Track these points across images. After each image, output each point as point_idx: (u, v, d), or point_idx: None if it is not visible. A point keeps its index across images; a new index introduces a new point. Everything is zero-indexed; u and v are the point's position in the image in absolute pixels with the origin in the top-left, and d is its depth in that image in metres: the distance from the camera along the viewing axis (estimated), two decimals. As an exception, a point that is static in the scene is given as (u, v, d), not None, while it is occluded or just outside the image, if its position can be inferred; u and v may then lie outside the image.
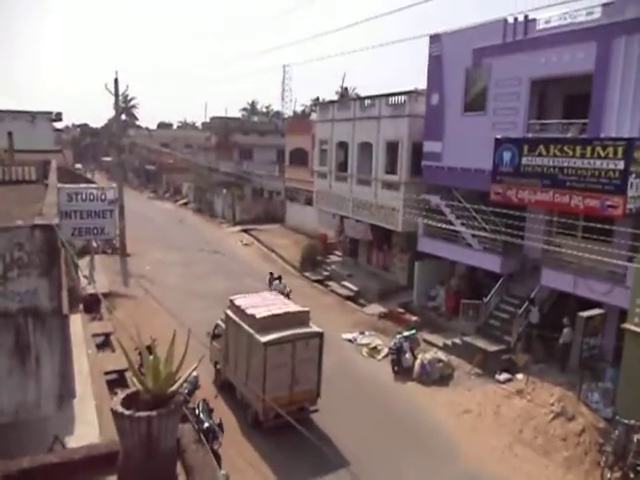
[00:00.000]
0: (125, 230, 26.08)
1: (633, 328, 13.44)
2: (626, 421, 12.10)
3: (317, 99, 64.01)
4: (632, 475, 11.48)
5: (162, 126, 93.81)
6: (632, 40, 14.27)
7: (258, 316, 13.34)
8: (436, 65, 20.69)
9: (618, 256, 14.21)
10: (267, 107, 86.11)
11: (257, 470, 11.81)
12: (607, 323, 15.16)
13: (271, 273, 23.94)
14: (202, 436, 5.17)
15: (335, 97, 57.53)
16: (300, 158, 38.32)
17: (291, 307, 14.30)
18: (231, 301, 14.93)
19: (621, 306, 14.31)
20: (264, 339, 12.81)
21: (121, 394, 4.01)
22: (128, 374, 14.39)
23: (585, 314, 14.56)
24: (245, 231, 39.99)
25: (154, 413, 3.65)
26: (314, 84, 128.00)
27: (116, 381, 13.96)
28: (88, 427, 9.89)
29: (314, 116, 35.57)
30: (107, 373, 13.96)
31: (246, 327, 13.62)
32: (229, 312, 14.82)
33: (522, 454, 12.87)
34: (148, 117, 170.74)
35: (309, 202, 33.61)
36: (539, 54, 16.56)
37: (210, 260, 30.52)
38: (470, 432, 13.92)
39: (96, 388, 11.84)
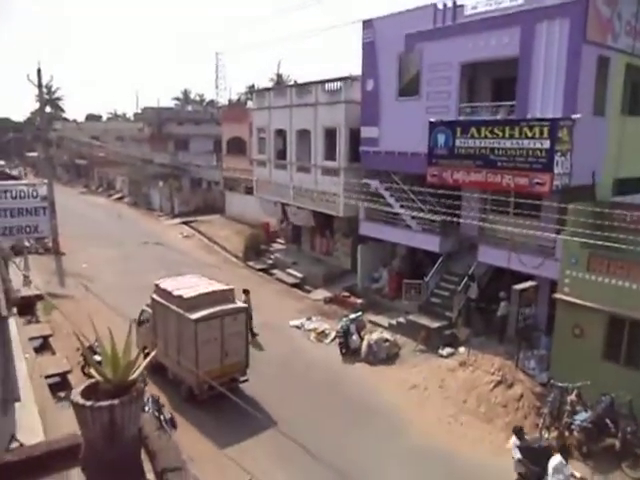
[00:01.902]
0: (57, 228, 24.98)
1: (563, 297, 14.35)
2: (560, 384, 12.97)
3: (252, 87, 63.40)
4: (567, 433, 12.31)
5: (91, 118, 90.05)
6: (553, 25, 15.00)
7: (186, 296, 13.89)
8: (370, 51, 20.94)
9: (547, 231, 15.10)
10: (201, 96, 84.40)
11: (199, 441, 12.28)
12: (539, 294, 16.05)
13: None
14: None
15: (270, 85, 57.11)
16: (238, 147, 37.90)
17: (217, 286, 14.88)
18: (157, 285, 15.27)
19: (552, 277, 15.21)
20: (194, 317, 13.43)
21: (79, 386, 3.96)
22: (71, 376, 13.95)
23: (519, 287, 15.31)
24: (185, 223, 39.28)
25: (116, 401, 3.66)
26: (249, 72, 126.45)
27: (58, 384, 13.50)
28: (31, 433, 9.56)
29: (250, 104, 35.18)
30: (48, 377, 13.44)
31: (175, 308, 14.10)
32: (155, 296, 15.17)
33: (467, 423, 13.50)
34: (75, 109, 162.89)
35: (249, 191, 33.35)
36: (467, 39, 17.10)
37: (150, 254, 29.77)
38: (417, 407, 14.44)
39: (37, 393, 11.42)
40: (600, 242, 12.81)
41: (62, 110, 79.73)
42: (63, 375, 13.89)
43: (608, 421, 12.03)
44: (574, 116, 14.63)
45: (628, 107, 17.08)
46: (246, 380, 14.67)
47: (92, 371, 3.98)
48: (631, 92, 17.15)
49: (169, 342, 14.54)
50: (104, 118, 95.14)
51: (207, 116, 54.99)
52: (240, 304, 14.73)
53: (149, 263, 27.75)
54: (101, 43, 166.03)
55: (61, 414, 10.61)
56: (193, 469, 4.46)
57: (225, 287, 14.78)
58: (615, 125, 16.45)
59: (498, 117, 16.65)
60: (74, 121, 72.67)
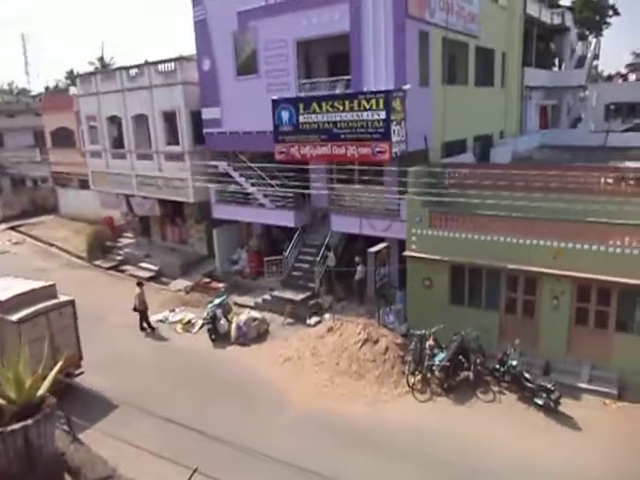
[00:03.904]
0: None
1: (412, 254, 15.75)
2: (418, 332, 14.30)
3: (72, 72, 58.10)
4: (429, 375, 13.68)
5: None
6: (378, 1, 15.96)
7: (2, 299, 13.36)
8: (202, 30, 20.40)
9: (391, 194, 16.30)
10: (9, 84, 75.07)
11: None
12: (391, 254, 17.34)
13: None
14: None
15: (91, 69, 52.76)
16: (65, 138, 34.58)
17: (35, 284, 14.38)
18: None
19: (400, 237, 16.53)
20: (15, 318, 12.95)
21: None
22: None
23: (373, 249, 16.35)
24: (12, 228, 35.22)
25: (30, 421, 3.28)
26: (68, 55, 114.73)
27: None
28: None
29: (74, 90, 32.17)
30: None
31: None
32: None
33: (342, 383, 14.24)
34: None
35: (85, 185, 30.81)
36: (300, 16, 17.47)
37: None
38: (294, 377, 14.85)
39: None
40: (437, 199, 14.23)
41: None
42: None
43: (461, 357, 13.60)
44: (404, 87, 15.85)
45: (447, 77, 18.96)
46: (82, 373, 14.28)
47: None
48: (448, 63, 19.04)
49: None
50: None
51: (22, 106, 49.18)
52: (65, 298, 14.18)
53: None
54: None
55: None
56: (128, 473, 4.10)
57: (45, 284, 14.30)
58: (438, 94, 18.18)
59: (337, 92, 17.36)
60: None
